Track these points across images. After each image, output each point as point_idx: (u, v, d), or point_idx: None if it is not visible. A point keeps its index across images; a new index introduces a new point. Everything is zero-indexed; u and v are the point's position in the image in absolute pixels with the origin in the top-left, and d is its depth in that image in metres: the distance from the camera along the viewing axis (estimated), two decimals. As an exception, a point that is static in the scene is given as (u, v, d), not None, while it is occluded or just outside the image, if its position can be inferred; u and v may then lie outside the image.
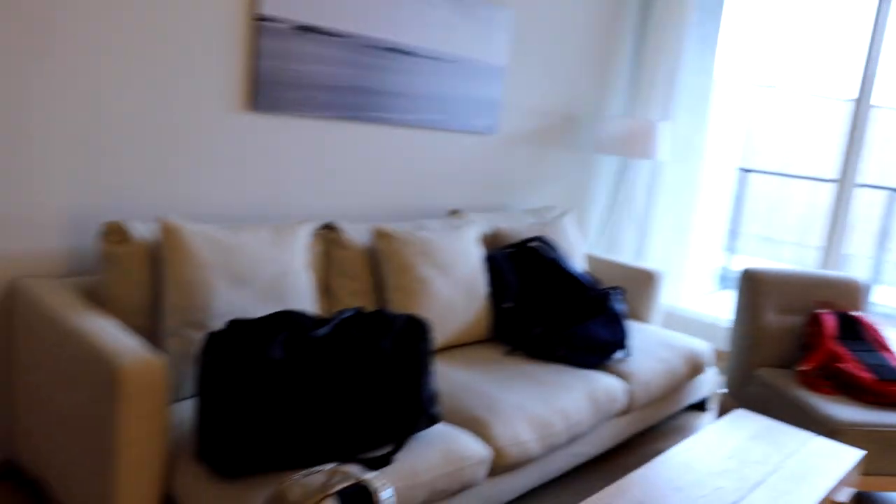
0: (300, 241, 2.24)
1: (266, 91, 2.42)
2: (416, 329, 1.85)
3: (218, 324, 1.95)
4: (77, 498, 1.80)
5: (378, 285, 2.52)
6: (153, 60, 2.17)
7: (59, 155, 2.05)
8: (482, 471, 1.97)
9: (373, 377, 1.74)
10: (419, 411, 1.82)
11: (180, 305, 1.91)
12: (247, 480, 1.63)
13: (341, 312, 1.86)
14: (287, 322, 1.75)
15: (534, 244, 2.90)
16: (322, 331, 1.74)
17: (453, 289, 2.57)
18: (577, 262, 3.18)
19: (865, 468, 2.40)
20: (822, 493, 1.86)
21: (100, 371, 1.62)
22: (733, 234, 6.78)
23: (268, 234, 2.15)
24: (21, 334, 2.00)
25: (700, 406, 3.31)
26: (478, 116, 3.20)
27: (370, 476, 1.50)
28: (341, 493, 1.44)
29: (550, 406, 2.25)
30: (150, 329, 2.00)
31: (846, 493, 2.05)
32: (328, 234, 2.47)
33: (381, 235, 2.49)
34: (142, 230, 2.01)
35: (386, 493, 1.50)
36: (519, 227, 3.05)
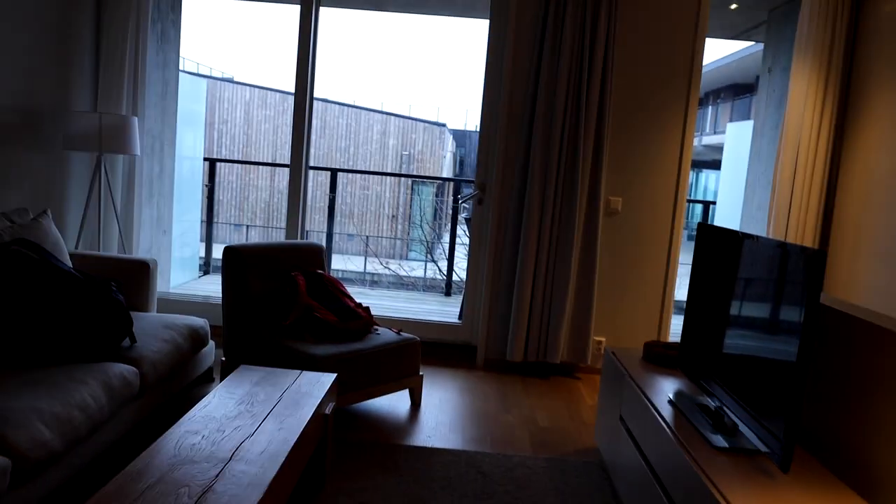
0: None
1: None
2: None
3: None
4: None
5: None
6: None
7: None
8: (5, 480, 1.92)
9: None
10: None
11: None
12: None
13: None
14: None
15: (15, 248, 2.76)
16: None
17: (-75, 306, 2.31)
18: (66, 261, 3.13)
19: (340, 388, 3.09)
20: (312, 409, 2.39)
21: None
22: (210, 221, 7.23)
23: None
24: None
25: (208, 377, 3.63)
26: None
27: None
28: None
29: (66, 402, 2.27)
30: None
31: (329, 407, 2.64)
32: None
33: None
34: None
35: None
36: (-9, 232, 2.85)
